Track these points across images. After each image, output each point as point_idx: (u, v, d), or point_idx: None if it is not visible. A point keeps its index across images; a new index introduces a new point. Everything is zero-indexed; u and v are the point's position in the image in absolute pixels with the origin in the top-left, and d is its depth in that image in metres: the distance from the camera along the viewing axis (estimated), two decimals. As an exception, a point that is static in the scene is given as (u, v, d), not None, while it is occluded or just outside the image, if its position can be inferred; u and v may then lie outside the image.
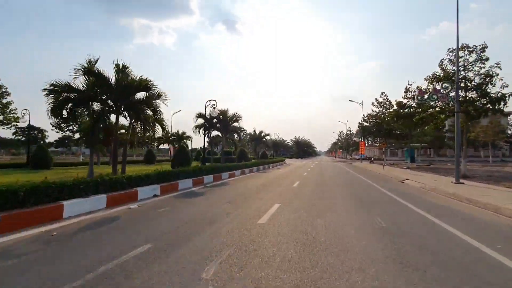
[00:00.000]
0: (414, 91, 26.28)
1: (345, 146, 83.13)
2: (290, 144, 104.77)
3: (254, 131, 28.55)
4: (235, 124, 19.93)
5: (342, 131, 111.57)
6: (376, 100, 37.13)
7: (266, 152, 35.98)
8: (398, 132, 35.62)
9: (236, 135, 20.97)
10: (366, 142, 48.64)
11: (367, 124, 38.29)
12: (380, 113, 36.89)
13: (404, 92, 26.75)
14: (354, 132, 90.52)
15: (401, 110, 26.46)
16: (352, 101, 45.91)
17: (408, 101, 26.12)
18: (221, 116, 18.97)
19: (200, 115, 18.40)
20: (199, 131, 19.63)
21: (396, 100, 26.71)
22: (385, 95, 36.37)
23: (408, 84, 26.45)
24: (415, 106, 25.42)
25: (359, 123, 39.41)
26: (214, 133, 20.86)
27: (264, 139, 29.09)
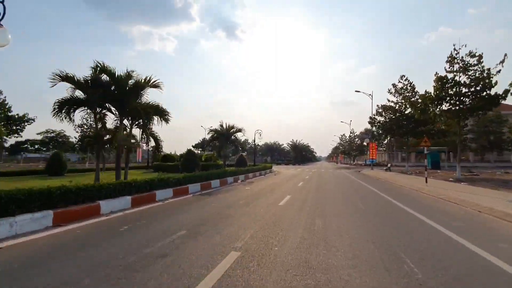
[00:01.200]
0: (462, 59, 16.89)
1: (348, 150, 73.45)
2: (287, 149, 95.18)
3: (221, 125, 19.07)
4: (146, 98, 9.85)
5: (344, 134, 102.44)
6: (394, 86, 27.66)
7: (244, 156, 26.37)
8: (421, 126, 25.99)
9: (151, 121, 10.63)
10: (372, 143, 38.95)
11: (381, 119, 28.75)
12: (400, 103, 27.42)
13: (448, 62, 17.29)
14: (359, 134, 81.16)
15: (443, 92, 16.91)
16: (359, 91, 36.49)
17: (456, 75, 16.64)
18: (112, 81, 9.04)
19: (63, 77, 8.70)
20: (58, 113, 9.58)
21: (436, 75, 17.16)
22: (406, 78, 26.96)
23: (455, 50, 17.04)
24: (473, 78, 15.96)
25: (370, 118, 29.87)
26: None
27: (234, 137, 19.56)
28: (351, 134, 78.47)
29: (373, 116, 28.97)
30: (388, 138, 65.89)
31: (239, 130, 19.35)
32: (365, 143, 35.44)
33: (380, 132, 29.73)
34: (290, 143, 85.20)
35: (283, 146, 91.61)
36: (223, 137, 18.99)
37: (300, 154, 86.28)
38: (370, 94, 36.00)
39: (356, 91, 36.72)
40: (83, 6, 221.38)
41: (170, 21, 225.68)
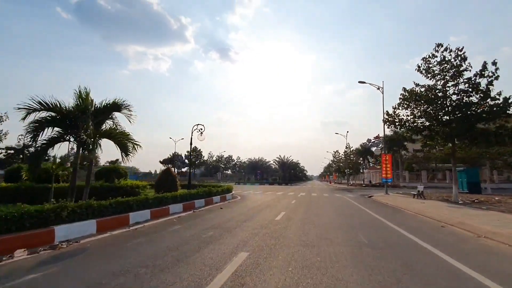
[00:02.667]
0: None
1: (343, 168, 62.63)
2: (274, 166, 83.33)
3: (78, 93, 7.60)
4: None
5: (337, 151, 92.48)
6: (426, 61, 17.20)
7: (172, 169, 14.86)
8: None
9: None
10: (385, 154, 27.83)
11: (406, 114, 17.81)
12: (438, 88, 16.77)
13: None
14: (354, 150, 70.79)
15: None
16: (364, 82, 26.07)
17: None
18: None
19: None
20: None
21: None
22: (447, 47, 16.57)
23: None
24: None
25: (387, 114, 18.94)
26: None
27: (105, 119, 8.01)
28: (346, 150, 68.17)
29: (394, 109, 17.99)
30: (396, 149, 55.20)
31: (117, 108, 7.96)
32: (375, 153, 23.98)
33: (407, 134, 18.81)
34: (277, 159, 73.70)
35: (269, 163, 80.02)
36: (70, 118, 7.51)
37: (289, 172, 74.68)
38: (379, 87, 25.64)
39: (360, 81, 26.32)
40: (78, 26, 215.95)
41: (165, 42, 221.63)
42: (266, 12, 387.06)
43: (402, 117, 18.10)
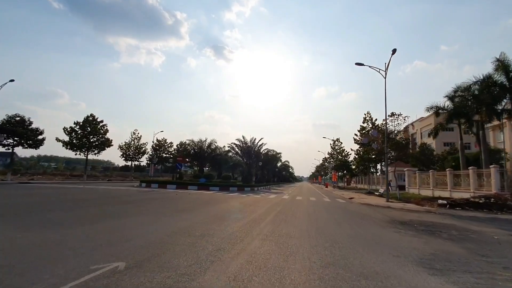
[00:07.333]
0: None
1: (367, 156, 31.50)
2: (235, 158, 51.33)
3: None
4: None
5: (338, 139, 61.23)
6: None
7: None
8: None
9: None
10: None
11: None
12: None
13: None
14: (371, 132, 40.14)
15: None
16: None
17: None
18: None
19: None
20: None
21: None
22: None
23: None
24: None
25: None
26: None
27: None
28: (362, 130, 37.27)
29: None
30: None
31: None
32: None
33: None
34: (237, 143, 41.53)
35: (227, 151, 47.76)
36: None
37: (256, 166, 42.89)
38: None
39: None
40: (69, 16, 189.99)
41: (159, 36, 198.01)
42: (262, 11, 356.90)
43: None
